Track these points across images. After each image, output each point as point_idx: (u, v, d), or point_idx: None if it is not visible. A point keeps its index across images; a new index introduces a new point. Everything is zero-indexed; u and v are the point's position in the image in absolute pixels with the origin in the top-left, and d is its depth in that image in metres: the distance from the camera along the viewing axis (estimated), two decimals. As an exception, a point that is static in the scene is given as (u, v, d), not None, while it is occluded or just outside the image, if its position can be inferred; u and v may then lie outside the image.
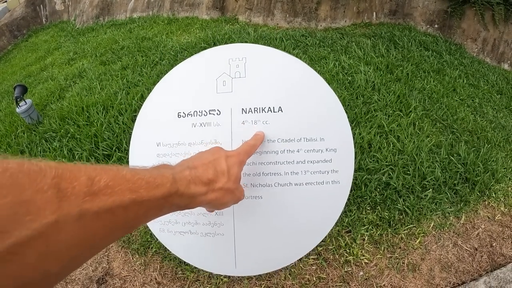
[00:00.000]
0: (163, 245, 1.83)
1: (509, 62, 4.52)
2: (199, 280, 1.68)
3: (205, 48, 3.63)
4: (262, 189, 0.63)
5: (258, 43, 3.86)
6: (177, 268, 1.75)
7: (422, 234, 1.86)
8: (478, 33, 4.54)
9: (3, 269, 0.23)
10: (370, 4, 4.81)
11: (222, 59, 0.66)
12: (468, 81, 3.64)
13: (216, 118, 0.64)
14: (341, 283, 1.66)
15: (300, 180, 0.63)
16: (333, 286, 1.65)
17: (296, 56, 3.56)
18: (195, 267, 1.75)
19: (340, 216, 1.75)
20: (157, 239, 1.88)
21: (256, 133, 0.60)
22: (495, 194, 2.15)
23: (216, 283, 1.65)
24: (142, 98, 2.92)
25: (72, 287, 1.74)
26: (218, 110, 0.64)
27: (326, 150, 0.62)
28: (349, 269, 1.71)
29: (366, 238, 1.83)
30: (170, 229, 0.69)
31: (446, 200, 2.05)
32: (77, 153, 2.38)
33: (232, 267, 0.64)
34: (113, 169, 0.34)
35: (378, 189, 2.03)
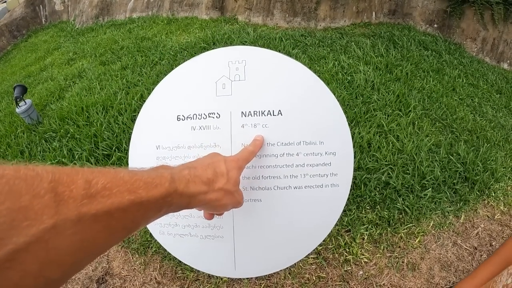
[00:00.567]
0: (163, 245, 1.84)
1: (508, 61, 4.52)
2: (199, 279, 1.69)
3: (204, 48, 3.64)
4: (262, 192, 0.63)
5: (258, 43, 3.87)
6: (177, 267, 1.76)
7: (422, 233, 1.87)
8: (477, 32, 4.54)
9: (3, 277, 0.23)
10: (369, 4, 4.81)
11: (222, 62, 0.66)
12: (468, 80, 3.64)
13: (216, 121, 0.64)
14: (340, 282, 1.66)
15: (300, 184, 0.63)
16: (332, 285, 1.65)
17: (296, 56, 3.57)
18: (195, 267, 1.76)
19: (340, 215, 1.76)
20: (156, 239, 1.89)
21: (255, 138, 0.60)
22: (494, 193, 2.16)
23: (216, 283, 1.65)
24: (142, 98, 2.93)
25: (72, 287, 1.74)
26: (217, 113, 0.64)
27: (326, 153, 0.63)
28: (349, 268, 1.71)
29: (366, 238, 1.84)
30: (170, 232, 0.70)
31: (446, 200, 2.05)
32: (77, 153, 2.39)
33: (232, 269, 0.65)
34: (111, 171, 0.33)
35: (378, 189, 2.04)
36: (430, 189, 2.05)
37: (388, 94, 2.91)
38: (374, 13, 4.88)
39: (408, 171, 2.14)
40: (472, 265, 1.75)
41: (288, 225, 0.63)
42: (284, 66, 0.66)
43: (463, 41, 4.60)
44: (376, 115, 2.60)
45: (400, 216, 1.94)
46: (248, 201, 0.63)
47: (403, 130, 2.48)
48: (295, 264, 1.73)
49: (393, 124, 2.52)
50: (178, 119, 0.66)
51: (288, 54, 3.53)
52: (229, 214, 0.64)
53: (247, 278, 1.69)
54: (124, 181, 0.34)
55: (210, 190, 0.50)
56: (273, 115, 0.62)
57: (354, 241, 1.82)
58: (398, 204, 1.96)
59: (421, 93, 3.06)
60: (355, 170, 2.22)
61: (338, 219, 1.86)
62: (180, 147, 0.65)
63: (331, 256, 1.77)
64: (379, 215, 1.93)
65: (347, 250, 1.78)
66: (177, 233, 0.68)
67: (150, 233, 1.91)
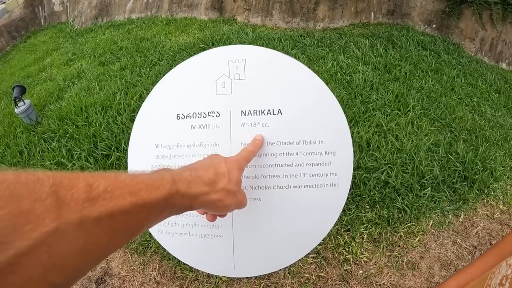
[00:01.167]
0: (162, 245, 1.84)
1: (507, 61, 4.53)
2: (198, 279, 1.69)
3: (203, 49, 3.64)
4: (261, 191, 0.63)
5: (257, 44, 3.87)
6: (176, 267, 1.76)
7: (421, 233, 1.87)
8: (476, 32, 4.55)
9: (5, 282, 0.22)
10: (368, 4, 4.82)
11: (222, 61, 0.66)
12: (466, 80, 3.65)
13: (215, 120, 0.64)
14: (340, 282, 1.66)
15: (299, 183, 0.63)
16: (332, 285, 1.65)
17: (295, 56, 3.57)
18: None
19: (339, 215, 1.76)
20: (155, 239, 1.88)
21: (254, 137, 0.60)
22: (493, 192, 2.16)
23: (215, 282, 1.65)
24: (141, 98, 2.93)
25: (71, 287, 1.74)
26: (217, 112, 0.64)
27: (325, 153, 0.63)
28: (349, 267, 1.72)
29: (365, 237, 1.84)
30: (169, 231, 0.70)
31: (445, 199, 2.06)
32: (76, 153, 2.38)
33: (231, 268, 0.65)
34: (111, 175, 0.33)
35: (377, 188, 2.04)
36: (429, 188, 2.06)
37: (387, 94, 2.91)
38: (372, 13, 4.88)
39: (407, 171, 2.15)
40: (472, 264, 1.75)
41: (288, 224, 0.63)
42: (284, 65, 0.66)
43: (462, 41, 4.61)
44: (375, 114, 2.61)
45: (400, 215, 1.94)
46: (247, 200, 0.63)
47: (402, 129, 2.48)
48: (294, 263, 1.73)
49: (392, 123, 2.53)
50: (178, 117, 0.66)
51: (287, 54, 3.54)
52: (229, 213, 0.64)
53: (246, 278, 1.69)
54: (126, 184, 0.34)
55: (212, 191, 0.50)
56: (273, 114, 0.62)
57: (353, 240, 1.82)
58: (397, 203, 1.96)
59: (420, 93, 3.06)
60: (354, 169, 2.23)
61: (338, 219, 1.87)
62: (180, 146, 0.65)
63: (330, 255, 1.77)
64: (379, 214, 1.93)
65: (347, 249, 1.79)
66: (176, 232, 0.68)
67: (149, 233, 1.91)
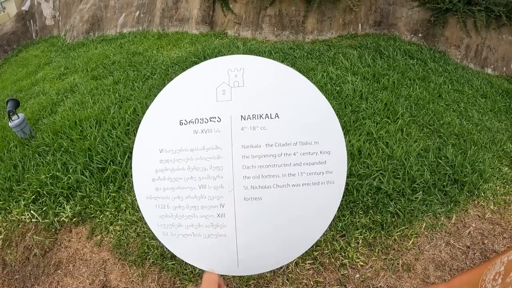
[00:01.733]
0: (161, 256, 1.83)
1: (492, 66, 4.69)
2: (198, 289, 1.69)
3: (195, 63, 3.70)
4: (261, 190, 0.66)
5: (248, 55, 3.94)
6: (175, 278, 1.76)
7: (415, 235, 1.91)
8: (461, 40, 4.71)
9: None
10: (355, 16, 4.96)
11: (221, 70, 0.70)
12: (453, 86, 3.77)
13: (217, 125, 0.68)
14: (338, 286, 1.69)
15: (297, 181, 0.66)
16: (330, 290, 1.67)
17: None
18: (193, 276, 1.76)
19: (334, 221, 1.79)
20: (154, 250, 1.88)
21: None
22: (484, 193, 2.22)
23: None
24: (135, 112, 2.95)
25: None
26: (218, 117, 0.68)
27: (321, 152, 0.66)
28: (345, 272, 1.74)
29: (361, 241, 1.87)
30: (173, 232, 0.72)
31: (436, 201, 2.11)
32: (71, 167, 2.38)
33: (235, 267, 0.67)
34: None
35: (370, 194, 2.09)
36: (420, 192, 2.11)
37: (376, 102, 2.99)
38: (360, 24, 5.03)
39: (398, 176, 2.20)
40: (466, 264, 1.79)
41: (288, 220, 0.66)
42: (280, 73, 0.70)
43: (448, 49, 4.77)
44: (365, 123, 2.67)
45: (393, 219, 1.99)
46: (248, 200, 0.66)
47: (392, 136, 2.55)
48: (292, 269, 1.75)
49: (382, 131, 2.59)
50: (181, 123, 0.69)
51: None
52: (231, 212, 0.67)
53: (245, 286, 1.70)
54: None
55: None
56: (271, 118, 0.66)
57: (349, 245, 1.85)
58: (390, 208, 2.01)
59: (408, 100, 3.15)
60: (347, 177, 2.27)
61: (333, 224, 1.89)
62: (183, 150, 0.68)
63: (327, 260, 1.80)
64: (372, 219, 1.97)
65: (343, 254, 1.81)
66: (181, 233, 0.70)
67: (147, 245, 1.92)
